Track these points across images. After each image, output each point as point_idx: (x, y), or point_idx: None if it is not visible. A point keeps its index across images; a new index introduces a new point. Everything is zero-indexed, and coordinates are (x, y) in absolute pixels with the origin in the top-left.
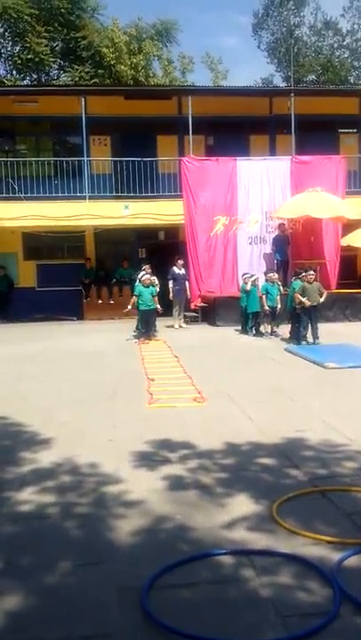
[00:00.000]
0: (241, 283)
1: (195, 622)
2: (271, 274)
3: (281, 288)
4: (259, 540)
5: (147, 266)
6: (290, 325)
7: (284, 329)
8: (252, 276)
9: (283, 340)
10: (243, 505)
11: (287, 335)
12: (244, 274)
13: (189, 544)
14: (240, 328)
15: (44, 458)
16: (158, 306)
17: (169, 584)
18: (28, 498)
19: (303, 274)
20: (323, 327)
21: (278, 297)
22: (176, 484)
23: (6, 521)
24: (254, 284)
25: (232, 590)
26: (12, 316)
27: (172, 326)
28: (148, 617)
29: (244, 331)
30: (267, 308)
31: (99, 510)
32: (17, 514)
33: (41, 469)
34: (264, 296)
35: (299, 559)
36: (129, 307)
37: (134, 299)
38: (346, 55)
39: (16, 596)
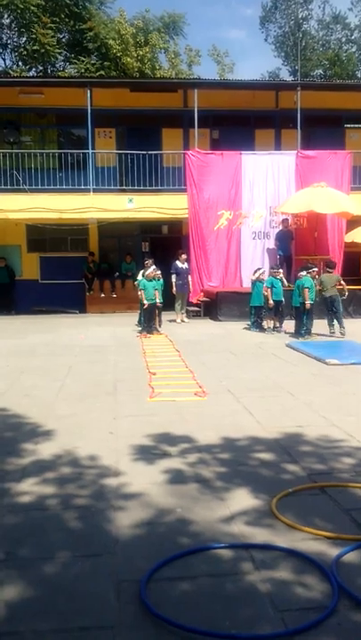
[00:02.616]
0: (251, 277)
1: (193, 615)
2: (275, 270)
3: (285, 281)
4: (258, 535)
5: (149, 260)
6: (294, 321)
7: (287, 325)
8: (259, 269)
9: (288, 335)
10: (242, 499)
11: (290, 330)
12: (258, 269)
13: (189, 537)
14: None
15: (45, 450)
16: (158, 300)
17: (168, 577)
18: (29, 489)
19: (313, 269)
20: (324, 323)
21: (282, 292)
22: (176, 477)
23: (6, 512)
24: (259, 279)
25: (230, 584)
26: (14, 308)
27: (175, 320)
28: (147, 609)
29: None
30: (271, 302)
31: (99, 502)
32: (17, 505)
33: (41, 461)
34: (269, 290)
35: (297, 554)
36: (145, 302)
37: (142, 293)
38: (354, 50)
39: (15, 586)
